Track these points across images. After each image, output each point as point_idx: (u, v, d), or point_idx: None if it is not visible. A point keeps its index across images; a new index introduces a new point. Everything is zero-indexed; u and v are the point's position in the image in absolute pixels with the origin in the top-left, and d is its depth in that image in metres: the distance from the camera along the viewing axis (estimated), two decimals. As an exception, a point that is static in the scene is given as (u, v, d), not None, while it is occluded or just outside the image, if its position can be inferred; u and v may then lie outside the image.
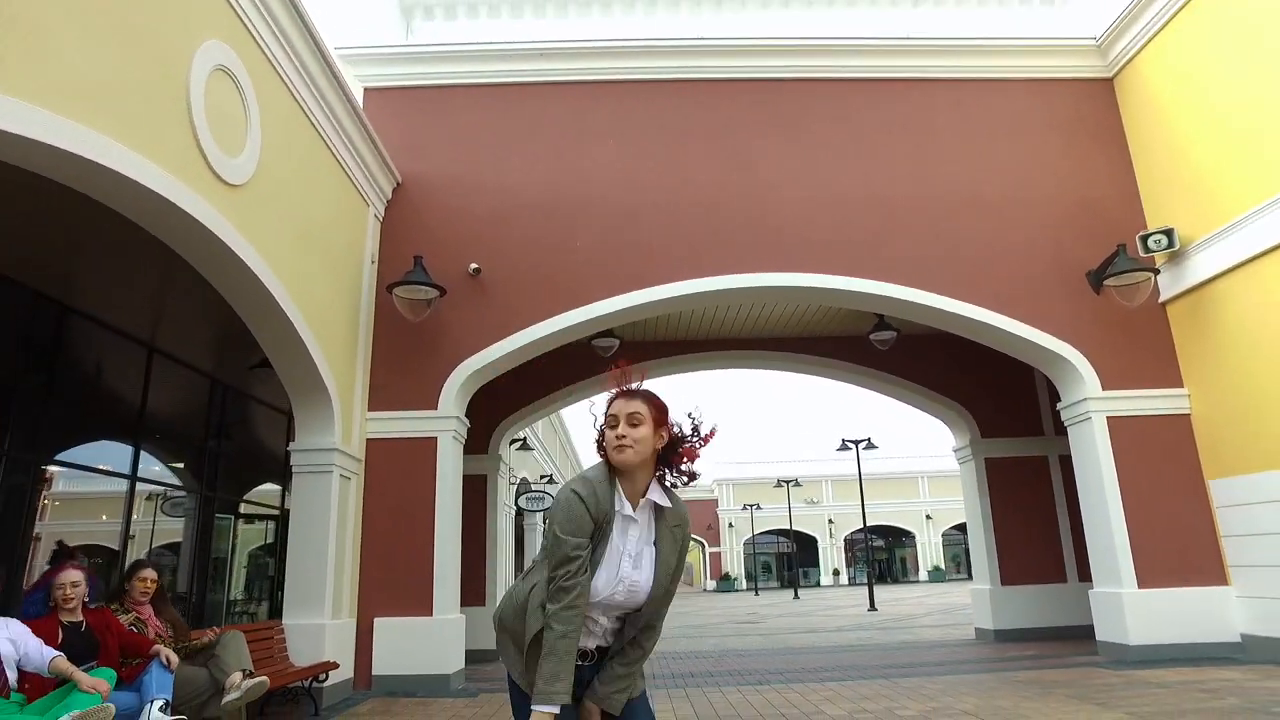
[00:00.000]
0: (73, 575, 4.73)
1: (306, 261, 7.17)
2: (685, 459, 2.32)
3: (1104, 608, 8.45)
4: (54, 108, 4.01)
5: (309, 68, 7.08)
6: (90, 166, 4.33)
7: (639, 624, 2.28)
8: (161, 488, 11.41)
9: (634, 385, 2.35)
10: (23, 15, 3.82)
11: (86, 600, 4.81)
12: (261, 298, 6.23)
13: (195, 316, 9.37)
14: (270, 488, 14.62)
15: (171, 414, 11.42)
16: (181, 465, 12.07)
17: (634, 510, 2.25)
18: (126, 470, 10.09)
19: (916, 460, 49.53)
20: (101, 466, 10.13)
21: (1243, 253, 7.91)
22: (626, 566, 2.21)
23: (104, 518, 10.41)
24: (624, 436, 2.21)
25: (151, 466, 11.66)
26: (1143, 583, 8.16)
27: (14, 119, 3.75)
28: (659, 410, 2.29)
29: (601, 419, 2.31)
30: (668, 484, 2.32)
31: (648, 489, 2.26)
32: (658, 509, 2.29)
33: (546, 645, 2.08)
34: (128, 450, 10.05)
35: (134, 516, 10.14)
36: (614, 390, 2.33)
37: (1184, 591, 8.10)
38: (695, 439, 2.33)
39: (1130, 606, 8.07)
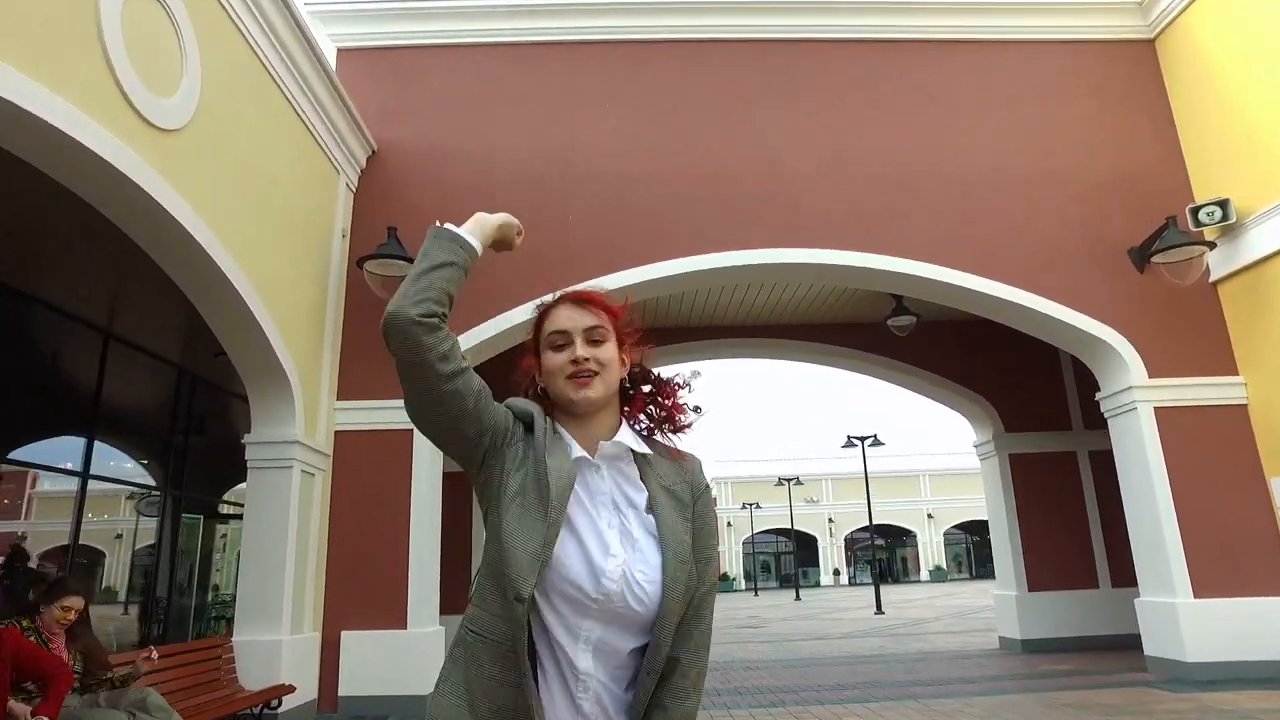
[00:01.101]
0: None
1: (262, 228, 6.31)
2: (666, 399, 1.51)
3: (1154, 619, 7.61)
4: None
5: (265, 10, 6.22)
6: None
7: (675, 652, 1.35)
8: (122, 486, 10.62)
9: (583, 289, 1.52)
10: None
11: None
12: (198, 262, 5.37)
13: (156, 298, 8.56)
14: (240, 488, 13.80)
15: (133, 406, 10.61)
16: (147, 462, 11.29)
17: (592, 453, 1.41)
18: (79, 468, 9.29)
19: (918, 458, 48.81)
20: (62, 465, 9.35)
21: (1311, 224, 7.09)
22: (611, 536, 1.34)
23: (91, 516, 9.66)
24: (586, 360, 1.42)
25: (122, 464, 10.87)
26: (1199, 592, 7.33)
27: None
28: (618, 317, 1.50)
29: (537, 339, 1.51)
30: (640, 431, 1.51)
31: (614, 434, 1.44)
32: (640, 462, 1.45)
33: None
34: (83, 444, 9.28)
35: (88, 515, 9.38)
36: (554, 296, 1.51)
37: (1246, 602, 7.27)
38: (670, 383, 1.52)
39: (1186, 619, 7.23)
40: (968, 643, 11.99)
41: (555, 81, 8.77)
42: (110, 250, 6.38)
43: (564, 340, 1.44)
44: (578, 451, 1.40)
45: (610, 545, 1.33)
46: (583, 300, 1.49)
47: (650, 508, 1.40)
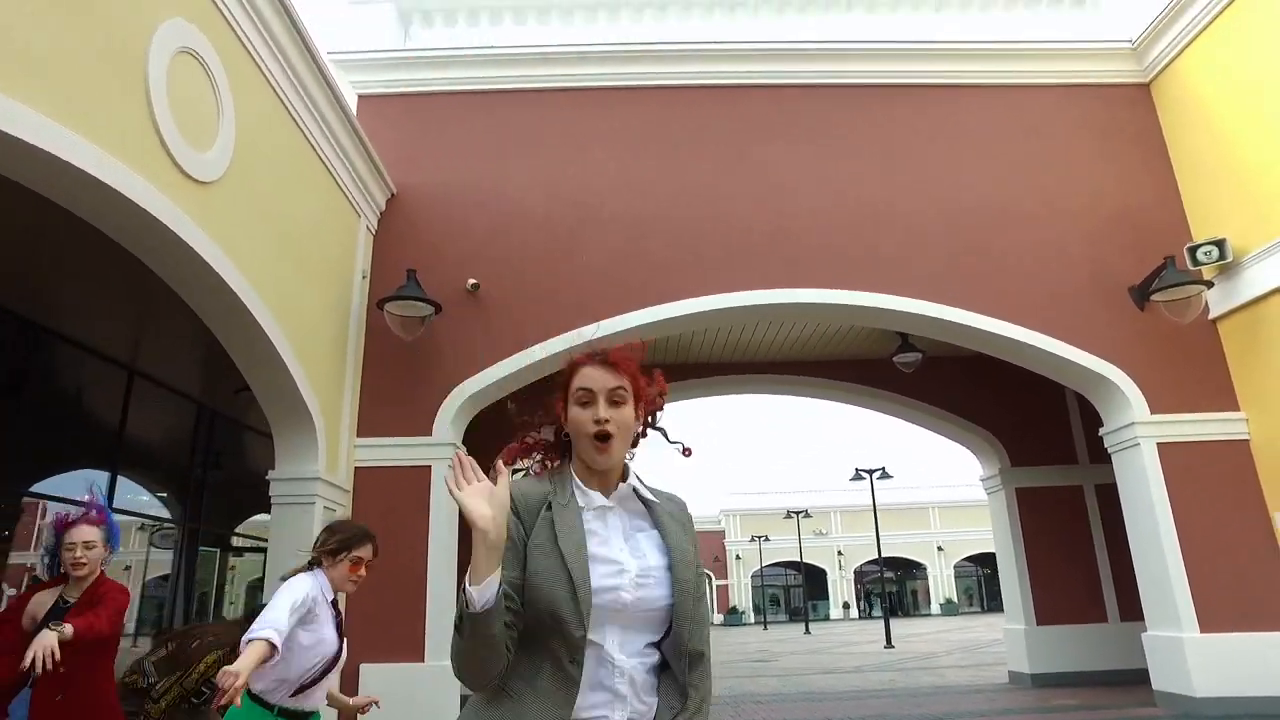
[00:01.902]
0: (86, 533, 3.57)
1: (288, 272, 6.56)
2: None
3: (1161, 653, 7.69)
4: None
5: (293, 62, 6.53)
6: (26, 149, 3.74)
7: (678, 649, 1.57)
8: (142, 519, 10.80)
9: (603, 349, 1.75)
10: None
11: (104, 567, 3.65)
12: (232, 308, 5.61)
13: (179, 336, 8.81)
14: (262, 518, 13.95)
15: (154, 441, 10.82)
16: (166, 495, 11.47)
17: (607, 496, 1.66)
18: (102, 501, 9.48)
19: (927, 490, 48.63)
20: (78, 498, 9.54)
21: (1305, 264, 7.28)
22: (626, 558, 1.58)
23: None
24: (606, 421, 1.63)
25: (139, 496, 11.04)
26: (1205, 626, 7.41)
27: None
28: (638, 376, 1.72)
29: (566, 388, 1.73)
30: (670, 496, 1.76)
31: (623, 478, 1.68)
32: (648, 500, 1.70)
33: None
34: (106, 479, 9.47)
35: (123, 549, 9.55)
36: (585, 352, 1.75)
37: (1253, 637, 7.35)
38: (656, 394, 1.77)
39: (1193, 653, 7.31)
40: (977, 676, 12.00)
41: (568, 126, 9.06)
42: (134, 289, 6.66)
43: (589, 398, 1.64)
44: (598, 501, 1.63)
45: (625, 564, 1.56)
46: (609, 362, 1.69)
47: (656, 527, 1.64)
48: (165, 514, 11.31)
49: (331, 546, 3.21)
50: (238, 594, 13.68)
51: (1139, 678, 8.37)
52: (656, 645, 1.58)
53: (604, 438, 1.61)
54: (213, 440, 11.86)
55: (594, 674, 1.51)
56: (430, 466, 7.88)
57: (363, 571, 3.29)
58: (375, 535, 3.31)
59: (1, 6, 3.59)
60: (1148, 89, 9.37)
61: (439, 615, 7.56)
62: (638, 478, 1.71)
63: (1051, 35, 9.76)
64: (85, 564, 3.49)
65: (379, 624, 7.40)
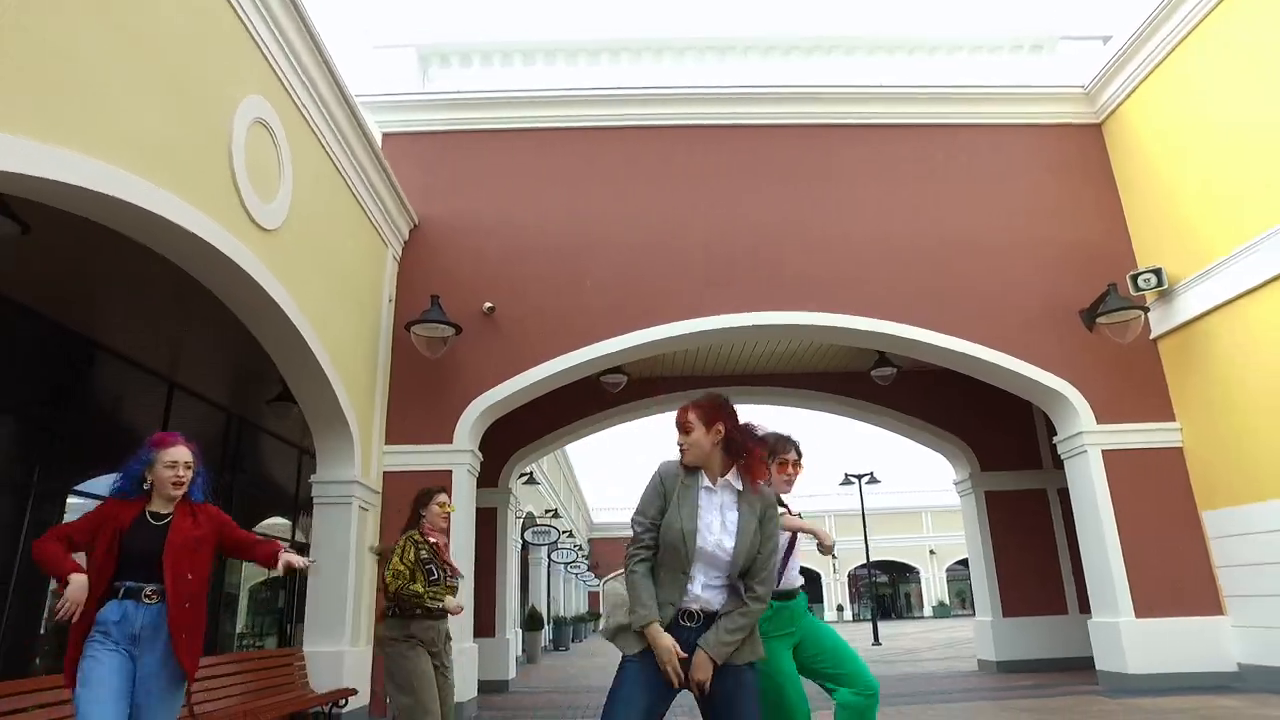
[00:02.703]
0: (186, 454, 3.58)
1: (331, 301, 7.50)
2: (751, 471, 2.81)
3: (1102, 637, 8.63)
4: (108, 158, 4.36)
5: (336, 118, 7.48)
6: (140, 213, 4.66)
7: (734, 576, 2.67)
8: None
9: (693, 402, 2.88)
10: (83, 75, 4.18)
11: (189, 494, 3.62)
12: (290, 336, 6.54)
13: (213, 351, 9.71)
14: (277, 520, 14.82)
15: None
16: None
17: (713, 484, 2.77)
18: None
19: (920, 495, 49.45)
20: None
21: (1227, 292, 8.23)
22: (715, 524, 2.69)
23: None
24: (681, 443, 2.83)
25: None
26: (1140, 612, 8.36)
27: (71, 170, 4.08)
28: (704, 411, 2.81)
29: None
30: (761, 484, 2.82)
31: (727, 474, 2.78)
32: (740, 491, 2.77)
33: (629, 588, 2.67)
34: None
35: None
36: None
37: (1181, 621, 8.30)
38: (752, 442, 2.83)
39: (1128, 635, 8.26)
40: (950, 666, 12.92)
41: (576, 163, 10.01)
42: (174, 309, 7.58)
43: (678, 433, 2.84)
44: (706, 482, 2.77)
45: (713, 528, 2.67)
46: (682, 409, 2.89)
47: (736, 508, 2.74)
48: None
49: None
50: (246, 594, 14.47)
51: (1092, 663, 9.27)
52: (725, 576, 2.69)
53: (681, 450, 2.82)
54: (240, 446, 12.74)
55: (686, 584, 2.65)
56: (451, 471, 8.79)
57: (790, 471, 3.69)
58: (797, 441, 3.77)
59: (121, 100, 4.52)
60: (1100, 129, 10.34)
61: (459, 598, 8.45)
62: (739, 474, 2.78)
63: (1014, 79, 10.75)
64: (184, 483, 3.51)
65: (406, 611, 8.30)
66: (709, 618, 2.61)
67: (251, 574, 14.80)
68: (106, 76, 4.36)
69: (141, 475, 3.56)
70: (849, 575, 49.36)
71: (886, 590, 50.04)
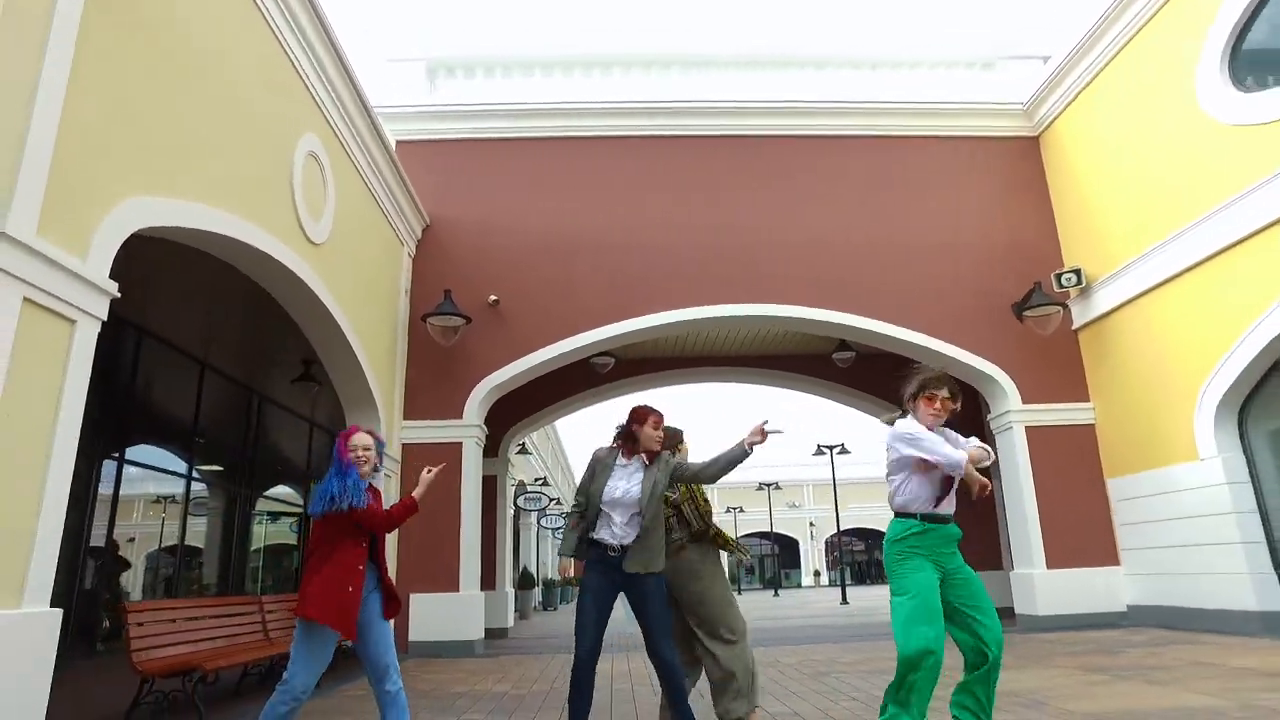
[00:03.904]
0: (366, 439, 3.94)
1: (360, 297, 8.73)
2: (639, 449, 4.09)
3: (1021, 586, 10.10)
4: (209, 201, 5.57)
5: (365, 139, 8.66)
6: (232, 242, 5.89)
7: (642, 521, 3.91)
8: (202, 483, 12.85)
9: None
10: (188, 137, 5.38)
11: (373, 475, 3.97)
12: (333, 332, 7.79)
13: (239, 337, 10.90)
14: (284, 489, 16.08)
15: (215, 422, 12.92)
16: (221, 468, 13.49)
17: (626, 461, 4.05)
18: (182, 470, 11.62)
19: (895, 465, 51.09)
20: (168, 468, 11.50)
21: (1131, 290, 9.60)
22: (620, 485, 3.95)
23: (135, 517, 11.81)
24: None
25: (196, 468, 13.09)
26: (1051, 564, 9.82)
27: (194, 217, 5.30)
28: (631, 421, 4.09)
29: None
30: (664, 452, 4.08)
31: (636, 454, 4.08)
32: (650, 460, 4.04)
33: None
34: (173, 453, 11.48)
35: (137, 517, 11.36)
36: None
37: (1084, 571, 9.78)
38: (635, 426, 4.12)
39: (1040, 584, 9.73)
40: (904, 618, 14.42)
41: (572, 169, 11.21)
42: (210, 298, 8.75)
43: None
44: (621, 460, 3.98)
45: (619, 488, 3.93)
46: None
47: (645, 472, 3.99)
48: (217, 484, 13.36)
49: (911, 390, 3.87)
50: (264, 556, 15.69)
51: (1013, 611, 10.71)
52: (633, 516, 3.93)
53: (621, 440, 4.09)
54: (262, 422, 13.97)
55: (607, 525, 3.86)
56: (461, 443, 10.10)
57: (937, 405, 3.72)
58: (951, 380, 3.84)
59: (213, 154, 5.72)
60: (1037, 142, 11.63)
61: (468, 559, 9.80)
62: (651, 454, 4.03)
63: (964, 95, 11.98)
64: (367, 461, 3.88)
65: (424, 565, 9.64)
66: (624, 548, 3.87)
67: (274, 533, 16.06)
68: (208, 137, 5.57)
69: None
70: (826, 542, 51.24)
71: (862, 557, 51.99)
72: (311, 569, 3.68)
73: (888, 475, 3.70)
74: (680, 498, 4.35)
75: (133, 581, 11.31)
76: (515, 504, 21.26)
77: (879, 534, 51.18)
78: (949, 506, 3.59)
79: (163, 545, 11.99)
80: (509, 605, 13.56)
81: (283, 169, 6.67)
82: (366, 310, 9.00)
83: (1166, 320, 9.18)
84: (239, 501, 13.66)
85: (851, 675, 6.52)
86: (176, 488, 11.86)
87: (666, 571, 4.09)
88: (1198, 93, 8.63)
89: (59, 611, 3.88)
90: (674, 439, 4.41)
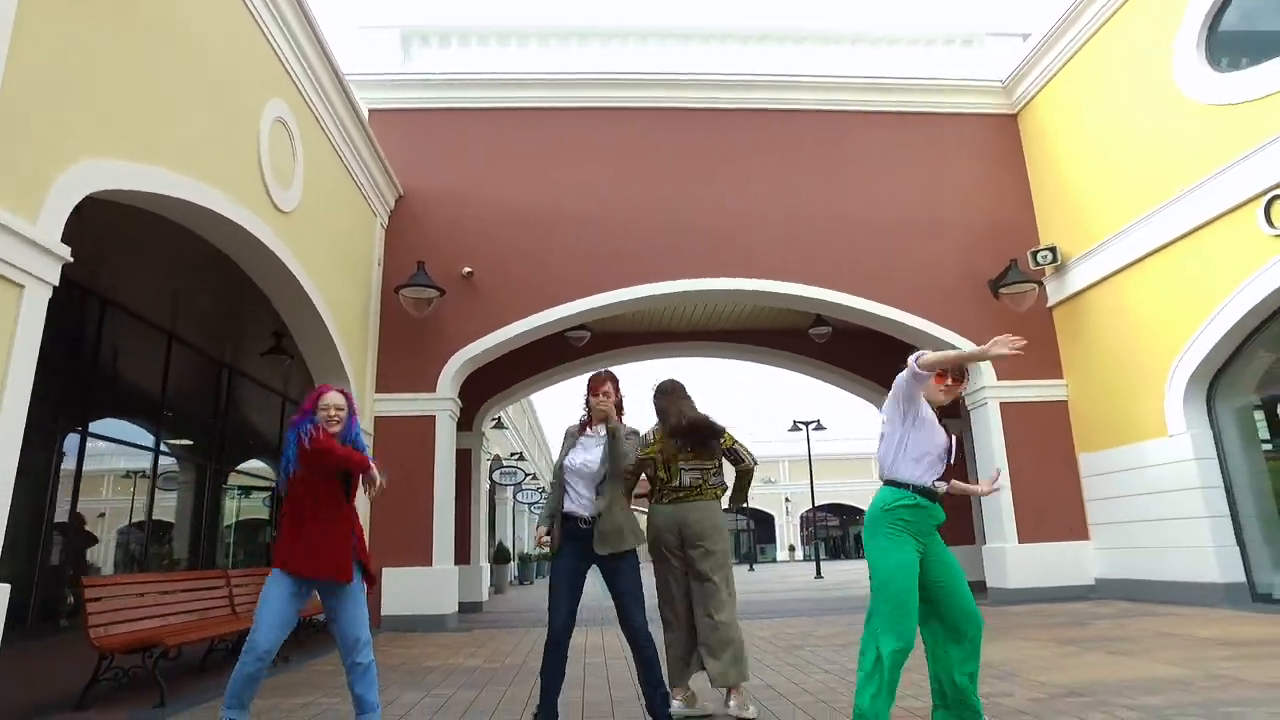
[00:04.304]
0: (338, 399, 3.84)
1: (332, 268, 8.57)
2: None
3: (992, 560, 10.21)
4: (173, 167, 5.40)
5: (336, 107, 8.45)
6: (190, 206, 5.71)
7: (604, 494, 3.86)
8: (171, 458, 12.64)
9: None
10: (155, 103, 5.20)
11: (355, 433, 3.89)
12: (303, 303, 7.64)
13: (209, 307, 10.68)
14: (257, 464, 15.88)
15: (184, 395, 12.69)
16: (191, 442, 13.29)
17: (591, 433, 4.00)
18: (150, 445, 11.41)
19: (869, 442, 51.58)
20: (134, 441, 11.29)
21: (1106, 268, 9.64)
22: (580, 457, 3.91)
23: (102, 493, 11.61)
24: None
25: (164, 442, 12.87)
26: (1022, 539, 9.93)
27: (157, 182, 5.14)
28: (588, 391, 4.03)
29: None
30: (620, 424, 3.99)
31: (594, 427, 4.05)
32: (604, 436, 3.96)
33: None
34: (142, 428, 11.25)
35: (104, 493, 11.20)
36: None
37: (1055, 545, 9.90)
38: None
39: (1011, 558, 9.84)
40: (876, 592, 14.57)
41: (547, 140, 11.04)
42: (177, 268, 8.55)
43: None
44: (588, 433, 3.89)
45: (578, 459, 3.87)
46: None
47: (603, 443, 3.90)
48: (188, 459, 13.15)
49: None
50: (235, 529, 15.52)
51: (984, 585, 10.83)
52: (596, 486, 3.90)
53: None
54: (232, 395, 13.74)
55: (574, 497, 3.82)
56: (434, 416, 10.00)
57: (948, 382, 3.69)
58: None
59: (175, 116, 5.54)
60: (1015, 119, 11.61)
61: (442, 533, 9.73)
62: (619, 427, 3.91)
63: (944, 71, 11.91)
64: (337, 422, 3.74)
65: (397, 538, 9.56)
66: (593, 520, 3.78)
67: (244, 509, 15.89)
68: (171, 100, 5.38)
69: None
70: (800, 518, 51.71)
71: (836, 532, 52.56)
72: (292, 522, 3.61)
73: (880, 436, 3.60)
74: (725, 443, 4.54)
75: (103, 557, 11.20)
76: (491, 478, 21.20)
77: (853, 509, 51.80)
78: (941, 485, 3.51)
79: (133, 521, 11.83)
80: (484, 580, 13.54)
81: (249, 134, 6.49)
82: (338, 282, 8.84)
83: (1139, 298, 9.23)
84: (210, 476, 13.47)
85: (825, 649, 6.56)
86: (147, 462, 11.68)
87: (698, 522, 4.21)
88: (1174, 72, 8.63)
89: (6, 587, 3.77)
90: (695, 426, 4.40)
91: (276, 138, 6.96)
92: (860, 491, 51.08)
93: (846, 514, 52.49)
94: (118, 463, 11.11)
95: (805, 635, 7.48)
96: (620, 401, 3.97)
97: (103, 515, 10.92)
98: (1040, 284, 10.60)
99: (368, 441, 9.41)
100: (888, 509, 3.40)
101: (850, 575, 24.69)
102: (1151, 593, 8.83)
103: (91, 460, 10.27)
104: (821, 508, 43.44)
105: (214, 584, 6.47)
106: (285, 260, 6.96)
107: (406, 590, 9.45)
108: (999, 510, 10.14)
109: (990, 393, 10.51)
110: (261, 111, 6.64)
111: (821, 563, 26.15)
